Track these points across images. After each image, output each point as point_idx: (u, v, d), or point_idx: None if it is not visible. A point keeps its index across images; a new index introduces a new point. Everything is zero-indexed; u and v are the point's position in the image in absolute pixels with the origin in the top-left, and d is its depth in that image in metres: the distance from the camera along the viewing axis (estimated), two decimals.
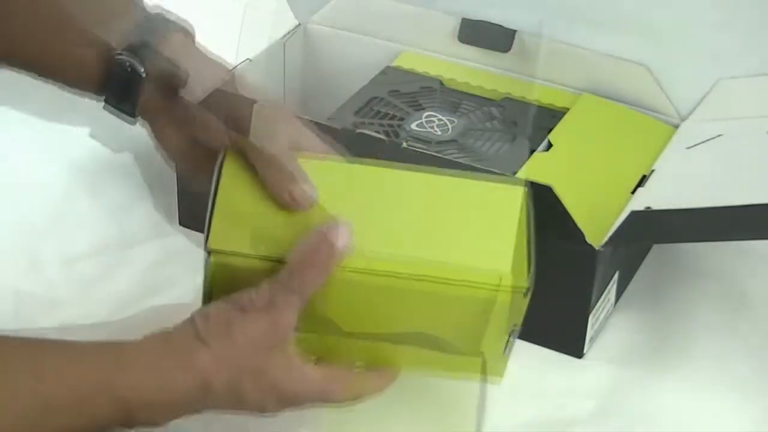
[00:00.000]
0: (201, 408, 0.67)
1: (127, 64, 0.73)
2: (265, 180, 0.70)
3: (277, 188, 0.69)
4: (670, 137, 0.94)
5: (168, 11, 0.76)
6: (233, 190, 0.71)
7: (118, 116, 0.76)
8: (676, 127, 0.95)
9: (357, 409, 0.72)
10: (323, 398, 0.69)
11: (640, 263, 0.93)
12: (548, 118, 0.94)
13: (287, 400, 0.68)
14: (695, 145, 0.90)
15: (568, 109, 0.95)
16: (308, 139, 0.74)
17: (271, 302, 0.67)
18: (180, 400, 0.66)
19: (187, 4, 0.81)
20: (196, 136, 0.74)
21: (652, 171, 0.88)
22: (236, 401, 0.67)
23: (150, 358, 0.66)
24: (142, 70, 0.73)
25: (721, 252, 0.93)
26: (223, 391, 0.66)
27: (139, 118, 0.76)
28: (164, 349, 0.66)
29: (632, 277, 0.91)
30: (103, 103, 0.76)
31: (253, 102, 0.71)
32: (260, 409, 0.68)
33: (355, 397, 0.70)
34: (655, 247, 0.94)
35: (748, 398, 0.80)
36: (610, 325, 0.87)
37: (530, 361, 0.83)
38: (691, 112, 0.96)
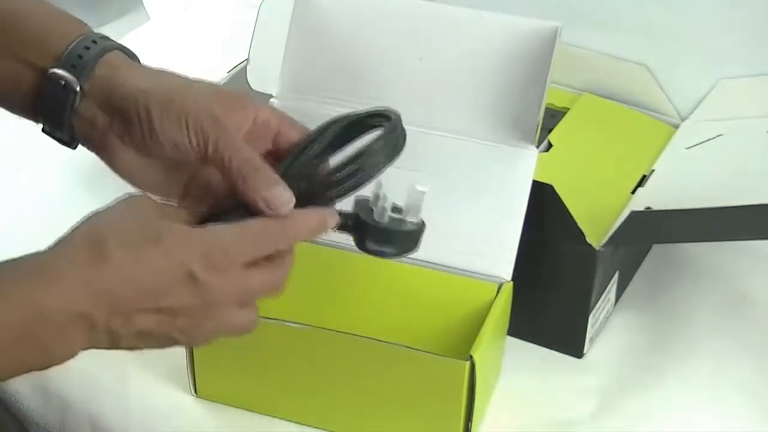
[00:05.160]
0: None
1: (62, 81, 0.64)
2: (236, 191, 0.64)
3: (250, 197, 0.63)
4: (670, 137, 0.94)
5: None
6: None
7: (58, 141, 0.67)
8: (676, 127, 0.95)
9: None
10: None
11: (640, 263, 0.92)
12: (548, 118, 0.94)
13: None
14: (695, 145, 0.90)
15: (568, 109, 0.95)
16: (264, 113, 0.68)
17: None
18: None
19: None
20: (158, 154, 0.66)
21: (652, 171, 0.88)
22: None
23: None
24: (78, 86, 0.64)
25: (721, 252, 0.93)
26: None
27: (91, 146, 0.67)
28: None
29: (632, 277, 0.91)
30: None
31: (212, 106, 0.65)
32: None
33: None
34: (655, 247, 0.94)
35: (748, 398, 0.80)
36: (610, 325, 0.87)
37: (530, 361, 0.83)
38: (691, 112, 0.96)
